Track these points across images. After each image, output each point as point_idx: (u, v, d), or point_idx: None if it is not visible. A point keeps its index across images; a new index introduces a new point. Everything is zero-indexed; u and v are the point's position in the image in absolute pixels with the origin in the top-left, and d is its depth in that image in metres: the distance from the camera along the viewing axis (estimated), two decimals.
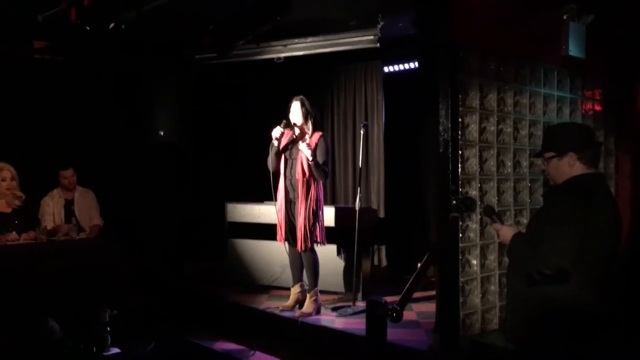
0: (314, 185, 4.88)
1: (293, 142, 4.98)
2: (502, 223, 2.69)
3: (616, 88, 5.36)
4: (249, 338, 4.84)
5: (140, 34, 5.51)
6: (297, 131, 4.99)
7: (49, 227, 5.23)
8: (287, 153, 4.99)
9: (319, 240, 4.96)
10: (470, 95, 4.10)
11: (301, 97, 4.96)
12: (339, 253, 5.72)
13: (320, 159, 4.85)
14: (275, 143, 4.92)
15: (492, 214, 2.74)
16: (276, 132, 4.90)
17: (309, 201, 4.84)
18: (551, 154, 2.62)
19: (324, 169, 4.85)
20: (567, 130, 2.76)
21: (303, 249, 4.87)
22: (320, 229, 4.96)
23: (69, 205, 5.58)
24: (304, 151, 4.76)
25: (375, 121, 7.13)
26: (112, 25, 4.05)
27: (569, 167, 2.56)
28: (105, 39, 5.52)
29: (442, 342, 3.97)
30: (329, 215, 5.55)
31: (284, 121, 4.92)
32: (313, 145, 4.85)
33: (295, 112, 4.92)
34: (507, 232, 2.64)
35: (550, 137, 2.76)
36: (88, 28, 3.96)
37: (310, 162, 4.77)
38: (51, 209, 5.51)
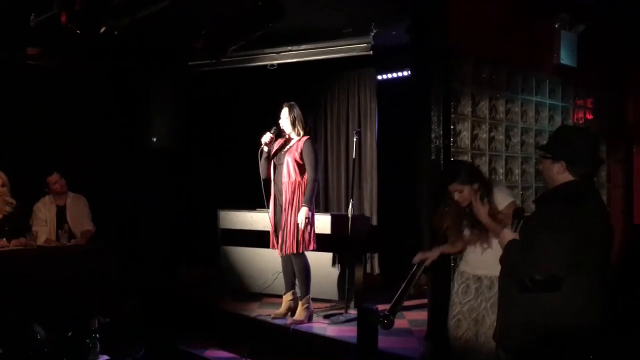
0: (301, 189, 4.87)
1: (281, 149, 4.99)
2: (516, 230, 2.65)
3: (607, 97, 5.38)
4: (240, 346, 4.81)
5: (134, 41, 5.51)
6: (287, 137, 5.01)
7: (41, 234, 5.18)
8: (275, 159, 5.00)
9: (310, 246, 4.92)
10: (463, 103, 4.12)
11: (290, 103, 4.98)
12: (331, 260, 5.70)
13: (306, 163, 4.85)
14: (265, 148, 4.94)
15: (516, 218, 2.69)
16: (265, 137, 4.93)
17: (295, 205, 4.84)
18: (547, 155, 2.61)
19: (312, 193, 4.86)
20: (572, 138, 2.66)
21: (289, 252, 4.84)
22: (311, 234, 4.93)
23: (61, 211, 5.54)
24: (301, 218, 4.81)
25: (368, 128, 7.14)
26: (103, 29, 4.04)
27: (557, 174, 2.56)
28: (99, 45, 5.52)
29: (433, 350, 3.96)
30: (325, 223, 5.54)
31: (274, 127, 4.94)
32: (299, 149, 4.86)
33: (284, 118, 4.94)
34: (505, 236, 2.62)
35: (555, 137, 2.74)
36: (79, 32, 3.95)
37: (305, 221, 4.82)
38: (44, 215, 5.47)
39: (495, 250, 3.10)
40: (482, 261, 3.22)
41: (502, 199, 3.17)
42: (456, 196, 3.20)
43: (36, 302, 4.31)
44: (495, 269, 3.04)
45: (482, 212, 3.12)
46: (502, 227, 3.02)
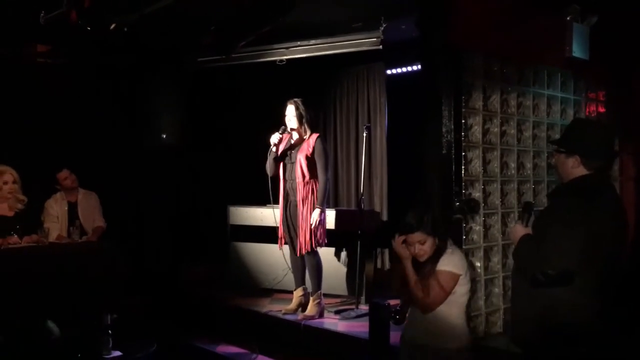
0: (315, 187, 4.87)
1: (291, 147, 4.98)
2: (527, 225, 2.62)
3: (620, 89, 5.33)
4: (251, 341, 4.82)
5: (142, 37, 5.50)
6: (294, 135, 4.99)
7: (53, 231, 5.21)
8: (286, 158, 4.99)
9: (320, 241, 4.94)
10: (474, 97, 4.09)
11: (295, 100, 4.96)
12: (342, 256, 5.70)
13: (318, 164, 4.84)
14: (274, 149, 4.93)
15: (526, 212, 2.66)
16: (274, 138, 4.91)
17: (309, 203, 4.83)
18: (561, 149, 2.58)
19: (324, 194, 4.86)
20: (586, 131, 2.64)
21: (304, 252, 4.86)
22: (322, 230, 4.94)
23: (72, 208, 5.57)
24: (314, 218, 4.81)
25: (378, 123, 7.10)
26: (113, 26, 4.05)
27: (572, 168, 2.53)
28: (107, 42, 5.53)
29: None
30: (334, 219, 5.54)
31: (282, 127, 4.93)
32: (310, 147, 4.85)
33: (290, 116, 4.92)
34: (517, 231, 2.60)
35: (569, 131, 2.70)
36: (89, 28, 3.96)
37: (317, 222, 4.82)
38: (55, 212, 5.50)
39: (430, 316, 2.85)
40: (425, 328, 2.90)
41: (449, 262, 2.81)
42: (416, 248, 2.86)
43: (48, 299, 4.34)
44: (436, 338, 2.83)
45: (411, 274, 2.85)
46: (422, 290, 2.79)
